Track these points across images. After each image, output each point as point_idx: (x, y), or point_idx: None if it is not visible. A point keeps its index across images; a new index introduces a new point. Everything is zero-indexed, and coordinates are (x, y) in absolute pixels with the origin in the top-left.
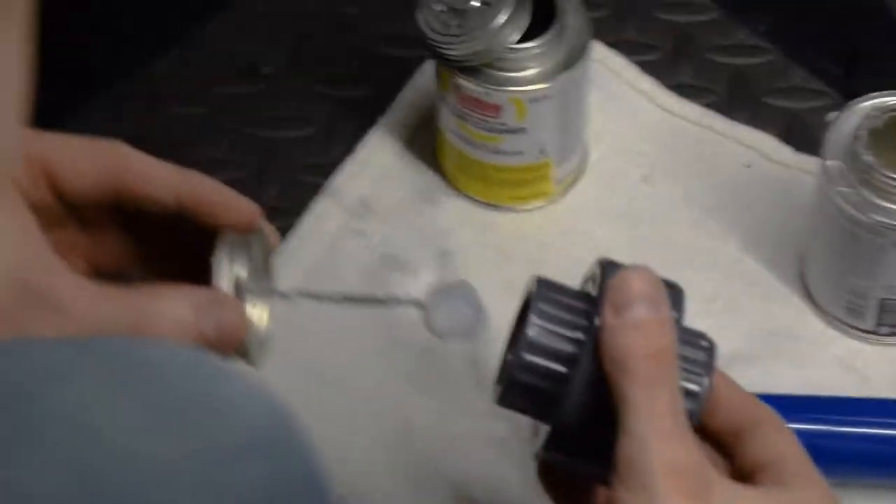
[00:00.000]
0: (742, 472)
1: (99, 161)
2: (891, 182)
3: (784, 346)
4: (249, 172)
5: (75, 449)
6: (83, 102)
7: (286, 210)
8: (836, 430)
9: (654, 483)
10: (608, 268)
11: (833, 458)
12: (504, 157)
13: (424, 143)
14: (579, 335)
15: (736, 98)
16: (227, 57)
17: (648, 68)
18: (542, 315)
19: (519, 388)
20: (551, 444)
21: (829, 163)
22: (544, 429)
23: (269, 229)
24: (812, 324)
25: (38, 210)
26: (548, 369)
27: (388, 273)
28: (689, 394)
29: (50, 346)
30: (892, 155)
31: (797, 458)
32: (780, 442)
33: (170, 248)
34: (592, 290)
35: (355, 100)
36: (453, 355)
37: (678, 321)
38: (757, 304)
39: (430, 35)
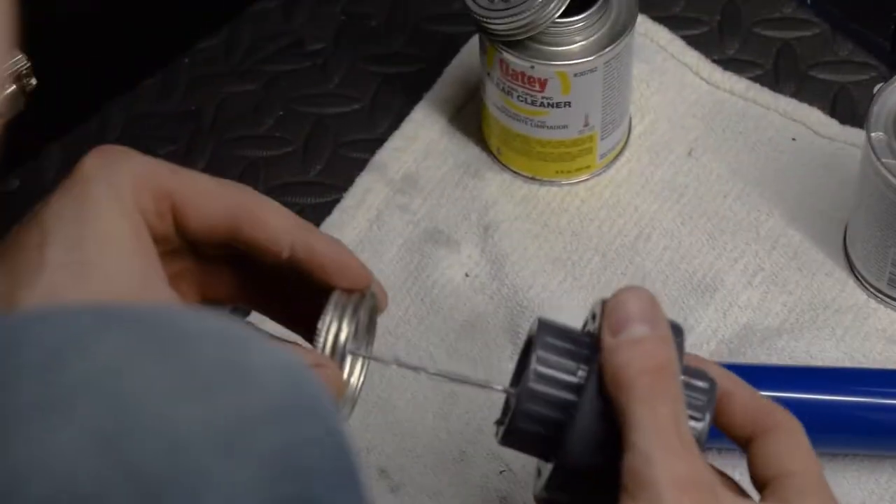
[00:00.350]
0: (753, 482)
1: (225, 203)
2: None
3: (827, 319)
4: (296, 147)
5: (99, 414)
6: (135, 82)
7: (331, 185)
8: (880, 402)
9: (661, 496)
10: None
11: (876, 430)
12: (548, 131)
13: (469, 118)
14: (583, 366)
15: (782, 71)
16: (275, 34)
17: (694, 42)
18: (547, 347)
19: (526, 419)
20: (555, 480)
21: (874, 135)
22: (546, 470)
23: (379, 291)
24: (855, 296)
25: (158, 240)
26: (554, 398)
27: (431, 247)
28: (692, 419)
29: (82, 312)
30: None
31: (805, 474)
32: (790, 454)
33: (278, 289)
34: (593, 327)
35: (401, 76)
36: (494, 327)
37: (678, 347)
38: (800, 277)
39: (476, 10)
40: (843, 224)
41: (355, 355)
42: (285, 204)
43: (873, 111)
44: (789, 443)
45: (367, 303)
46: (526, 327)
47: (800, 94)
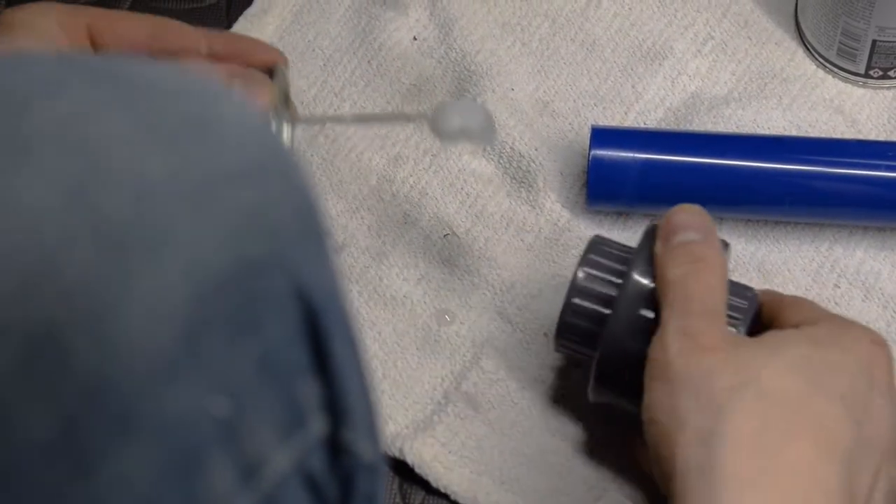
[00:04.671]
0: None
1: (145, 25)
2: None
3: (775, 88)
4: None
5: (65, 162)
6: None
7: None
8: (823, 171)
9: (670, 364)
10: (650, 230)
11: (819, 198)
12: None
13: None
14: (618, 280)
15: None
16: None
17: None
18: (590, 264)
19: (568, 329)
20: (597, 383)
21: None
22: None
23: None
24: (804, 66)
25: None
26: (592, 311)
27: (379, 9)
28: (731, 318)
29: (45, 59)
30: None
31: (829, 315)
32: (813, 308)
33: None
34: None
35: None
36: (441, 91)
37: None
38: (749, 46)
39: None
40: None
41: (278, 118)
42: None
43: None
44: (806, 304)
45: (280, 77)
46: (473, 92)
47: None
